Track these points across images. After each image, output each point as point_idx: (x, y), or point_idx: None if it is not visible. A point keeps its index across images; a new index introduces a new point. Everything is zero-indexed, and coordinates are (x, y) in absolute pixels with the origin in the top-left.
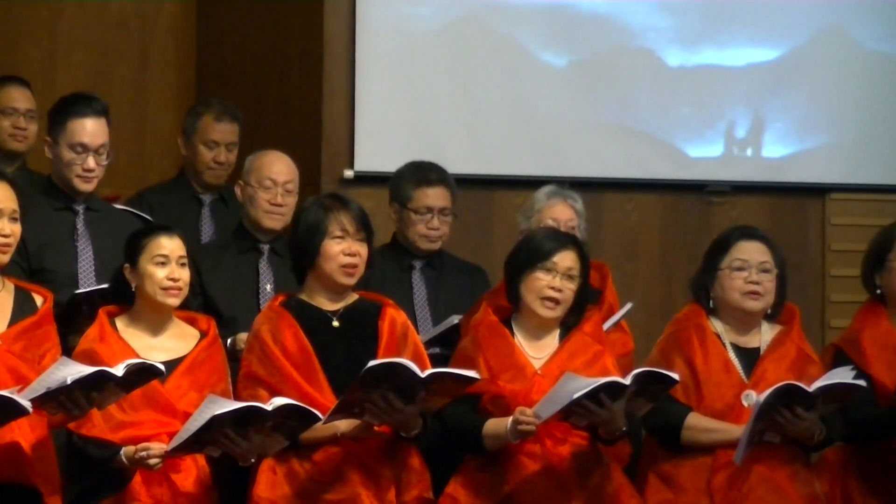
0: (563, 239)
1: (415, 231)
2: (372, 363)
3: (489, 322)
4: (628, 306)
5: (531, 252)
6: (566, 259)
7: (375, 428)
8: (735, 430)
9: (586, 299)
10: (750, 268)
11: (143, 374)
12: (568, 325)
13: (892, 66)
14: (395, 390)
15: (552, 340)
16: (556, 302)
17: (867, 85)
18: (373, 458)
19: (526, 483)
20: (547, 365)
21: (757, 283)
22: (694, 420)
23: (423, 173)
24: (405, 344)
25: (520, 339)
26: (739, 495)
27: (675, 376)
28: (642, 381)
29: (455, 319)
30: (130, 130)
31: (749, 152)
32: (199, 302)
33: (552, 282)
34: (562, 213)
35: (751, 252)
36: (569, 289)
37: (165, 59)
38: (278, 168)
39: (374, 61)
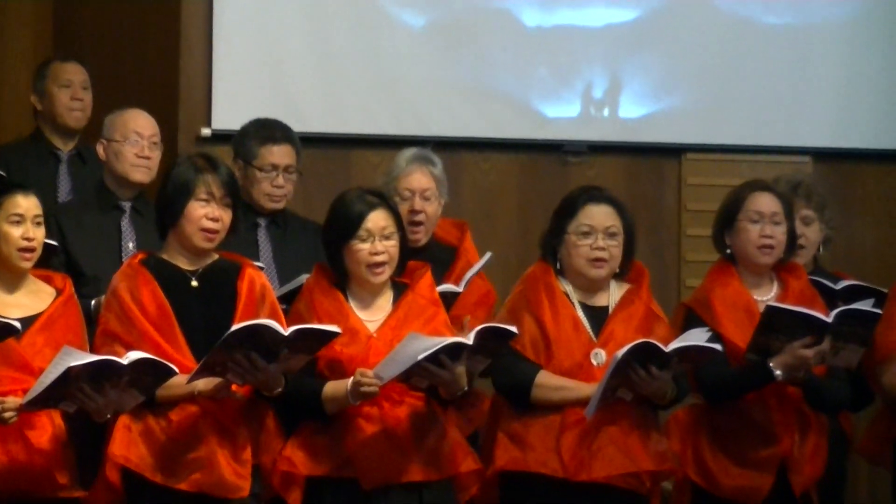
0: (371, 200)
1: (259, 189)
2: (236, 326)
3: (322, 286)
4: (487, 256)
5: (343, 222)
6: (379, 220)
7: (233, 388)
8: (585, 388)
9: (406, 254)
10: (596, 233)
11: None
12: (398, 284)
13: (747, 28)
14: (258, 349)
15: (386, 303)
16: (381, 265)
17: (723, 46)
18: (230, 418)
19: (363, 445)
20: (381, 328)
21: (602, 248)
22: (544, 378)
23: (267, 131)
24: (263, 304)
25: (353, 303)
26: (588, 454)
27: (514, 329)
28: (483, 339)
29: (304, 278)
30: None
31: (606, 113)
32: (62, 260)
33: (372, 247)
34: (417, 182)
35: (597, 217)
36: (391, 246)
37: (21, 20)
38: (142, 122)
39: (232, 20)
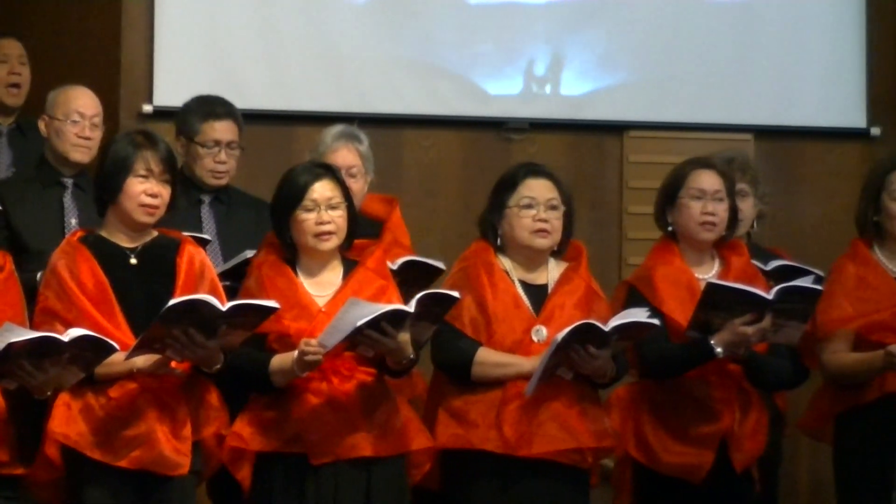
0: (316, 171)
1: (202, 165)
2: (173, 301)
3: (271, 261)
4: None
5: (289, 192)
6: (324, 190)
7: (173, 364)
8: (525, 364)
9: (356, 225)
10: (538, 205)
11: None
12: (348, 260)
13: (690, 5)
14: (197, 325)
15: (335, 277)
16: (329, 234)
17: (666, 24)
18: (169, 395)
19: (313, 420)
20: (331, 302)
21: (545, 220)
22: (484, 355)
23: (209, 107)
24: (202, 280)
25: (303, 278)
26: (528, 431)
27: (456, 294)
28: (424, 305)
29: (248, 254)
30: None
31: (548, 90)
32: (5, 235)
33: (318, 217)
34: (343, 158)
35: (538, 189)
36: (337, 217)
37: None
38: (84, 101)
39: None
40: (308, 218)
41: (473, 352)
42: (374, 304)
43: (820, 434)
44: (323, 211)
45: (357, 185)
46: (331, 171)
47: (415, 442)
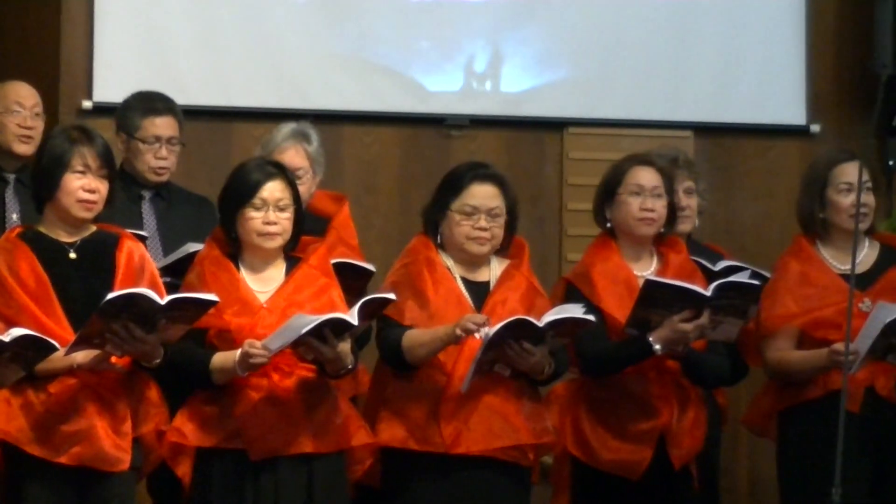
0: (269, 170)
1: (143, 161)
2: (111, 294)
3: (213, 256)
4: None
5: (239, 188)
6: (275, 191)
7: (113, 360)
8: (441, 331)
9: (301, 227)
10: (479, 214)
11: None
12: (292, 258)
13: (629, 2)
14: (136, 319)
15: (278, 274)
16: (275, 234)
17: (605, 21)
18: (109, 391)
19: (253, 416)
20: (273, 298)
21: (485, 229)
22: (410, 337)
23: (149, 102)
24: (142, 275)
25: (245, 273)
26: (467, 427)
27: (392, 296)
28: (365, 311)
29: (191, 247)
30: None
31: (488, 86)
32: None
33: (265, 216)
34: (290, 160)
35: (482, 197)
36: (284, 219)
37: None
38: (24, 92)
39: None
40: (255, 216)
41: (400, 337)
42: (319, 315)
43: (763, 431)
44: (271, 211)
45: (303, 188)
46: (283, 172)
47: (355, 438)
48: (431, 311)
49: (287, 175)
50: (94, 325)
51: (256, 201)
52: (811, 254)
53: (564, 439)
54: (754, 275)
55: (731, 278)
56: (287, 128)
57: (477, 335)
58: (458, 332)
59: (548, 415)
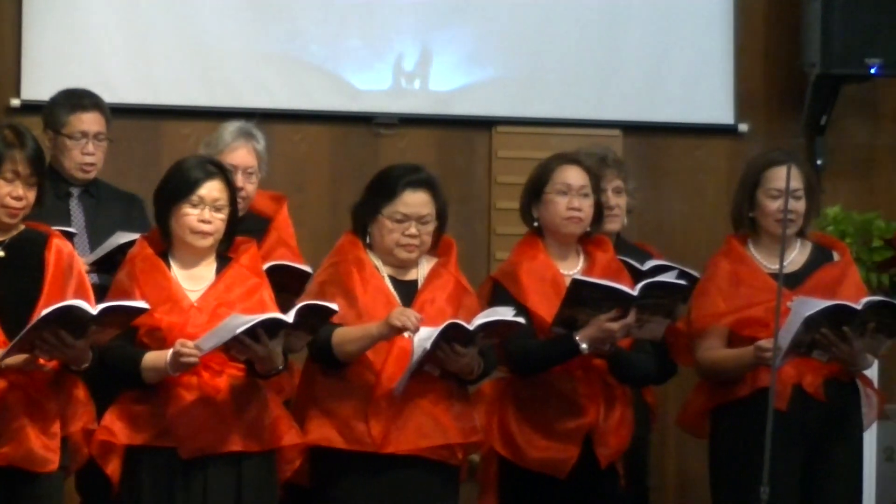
0: (209, 169)
1: (70, 157)
2: (46, 310)
3: (144, 255)
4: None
5: (178, 184)
6: (213, 190)
7: (41, 360)
8: (373, 328)
9: (235, 228)
10: (409, 221)
11: None
12: (222, 255)
13: (557, 1)
14: (66, 326)
15: (209, 273)
16: (208, 234)
17: (533, 20)
18: (38, 391)
19: (183, 415)
20: (203, 297)
21: (415, 235)
22: (339, 335)
23: (76, 99)
24: (70, 274)
25: (176, 272)
26: (395, 427)
27: (334, 306)
28: (303, 315)
29: (119, 238)
30: None
31: (417, 85)
32: None
33: (201, 215)
34: (242, 158)
35: (414, 205)
36: (218, 219)
37: None
38: None
39: None
40: (191, 213)
41: (330, 335)
42: (254, 315)
43: (697, 430)
44: (207, 210)
45: (252, 186)
46: (223, 172)
47: (285, 438)
48: (360, 309)
49: (227, 176)
50: (28, 335)
51: (194, 198)
52: (742, 253)
53: (491, 438)
54: (682, 274)
55: (658, 278)
56: (233, 126)
57: (406, 334)
58: (396, 322)
59: (475, 413)
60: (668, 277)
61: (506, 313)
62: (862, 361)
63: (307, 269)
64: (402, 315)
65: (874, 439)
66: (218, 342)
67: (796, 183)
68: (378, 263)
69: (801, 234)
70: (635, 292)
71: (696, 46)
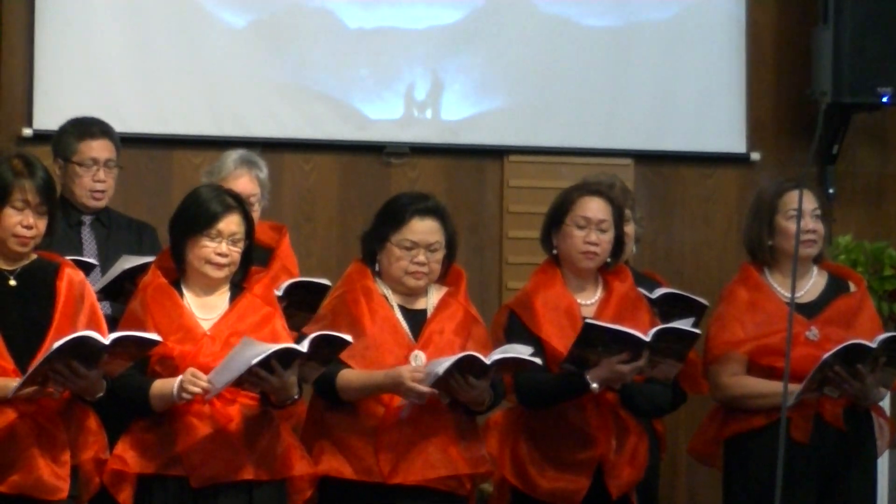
0: (228, 202)
1: (81, 185)
2: (58, 343)
3: (157, 284)
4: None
5: (196, 215)
6: (231, 224)
7: (49, 389)
8: (379, 376)
9: (251, 259)
10: (418, 249)
11: None
12: (236, 284)
13: (568, 30)
14: (78, 358)
15: (222, 301)
16: (222, 266)
17: (544, 48)
18: (48, 419)
19: (194, 443)
20: (216, 326)
21: (423, 263)
22: (345, 378)
23: (85, 127)
24: (82, 304)
25: (189, 301)
26: (405, 458)
27: (348, 338)
28: (317, 346)
29: (126, 263)
30: None
31: (428, 114)
32: None
33: (218, 247)
34: (244, 186)
35: (422, 233)
36: (235, 252)
37: None
38: None
39: (54, 18)
40: (209, 246)
41: (335, 374)
42: (267, 343)
43: (709, 459)
44: (224, 244)
45: (255, 215)
46: (241, 205)
47: (296, 467)
48: (368, 340)
49: (244, 209)
50: (41, 367)
51: (212, 232)
52: (759, 281)
53: (503, 468)
54: (691, 302)
55: (672, 324)
56: (235, 154)
57: (414, 362)
58: (408, 383)
59: (484, 444)
60: (683, 324)
61: (523, 352)
62: (875, 395)
63: (326, 282)
64: (417, 375)
65: (886, 468)
66: (231, 377)
67: (815, 203)
68: (387, 292)
69: (816, 261)
70: (648, 338)
71: (706, 75)
